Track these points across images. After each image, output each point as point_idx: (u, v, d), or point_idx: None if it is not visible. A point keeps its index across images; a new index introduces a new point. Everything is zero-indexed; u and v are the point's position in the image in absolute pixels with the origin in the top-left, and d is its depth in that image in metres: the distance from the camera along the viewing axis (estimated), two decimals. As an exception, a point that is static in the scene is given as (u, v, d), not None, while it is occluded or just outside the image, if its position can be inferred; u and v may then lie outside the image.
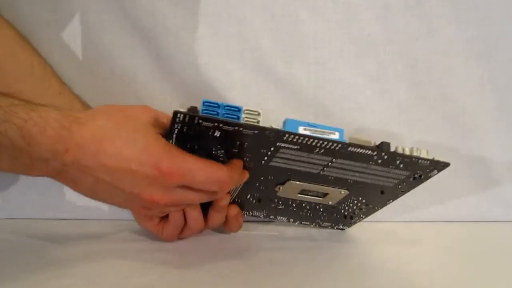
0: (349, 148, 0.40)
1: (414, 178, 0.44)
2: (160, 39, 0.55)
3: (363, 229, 0.56)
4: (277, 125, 0.40)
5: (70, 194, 0.57)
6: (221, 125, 0.37)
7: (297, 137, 0.39)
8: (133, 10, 0.55)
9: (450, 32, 0.57)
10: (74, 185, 0.41)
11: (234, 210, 0.51)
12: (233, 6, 0.55)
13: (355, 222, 0.55)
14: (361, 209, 0.52)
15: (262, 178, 0.46)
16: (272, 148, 0.41)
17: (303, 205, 0.50)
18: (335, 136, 0.40)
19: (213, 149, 0.41)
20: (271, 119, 0.57)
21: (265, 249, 0.51)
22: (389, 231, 0.56)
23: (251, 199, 0.50)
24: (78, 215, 0.57)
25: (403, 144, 0.58)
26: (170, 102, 0.57)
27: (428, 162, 0.42)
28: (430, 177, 0.44)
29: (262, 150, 0.41)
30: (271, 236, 0.55)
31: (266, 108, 0.57)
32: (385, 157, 0.42)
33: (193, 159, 0.40)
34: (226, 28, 0.55)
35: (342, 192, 0.47)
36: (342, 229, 0.57)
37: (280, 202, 0.50)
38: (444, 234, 0.58)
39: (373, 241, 0.55)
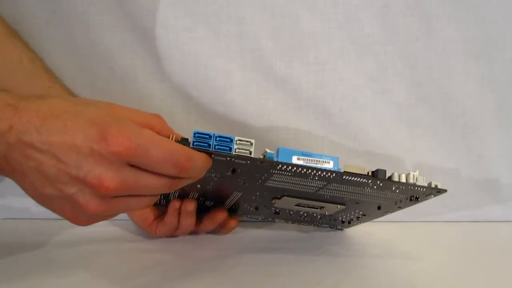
0: (344, 177, 0.40)
1: (411, 199, 0.45)
2: (160, 39, 0.55)
3: (363, 229, 0.56)
4: (271, 148, 0.39)
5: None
6: (213, 156, 0.37)
7: (290, 166, 0.39)
8: (133, 10, 0.55)
9: (450, 32, 0.57)
10: (21, 178, 0.34)
11: (222, 216, 0.51)
12: (233, 6, 0.55)
13: (353, 225, 0.55)
14: (358, 217, 0.52)
15: (257, 193, 0.46)
16: (265, 174, 0.41)
17: (300, 212, 0.50)
18: (329, 165, 0.40)
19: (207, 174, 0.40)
20: (272, 119, 0.57)
21: (265, 249, 0.51)
22: (389, 231, 0.56)
23: (248, 206, 0.50)
24: (78, 215, 0.57)
25: (402, 145, 0.59)
26: (170, 102, 0.57)
27: (424, 189, 0.42)
28: (427, 199, 0.44)
29: (256, 174, 0.41)
30: (271, 236, 0.55)
31: (266, 108, 0.57)
32: (381, 184, 0.42)
33: (149, 132, 0.34)
34: (226, 28, 0.55)
35: (338, 207, 0.47)
36: (341, 229, 0.57)
37: (278, 210, 0.50)
38: (444, 234, 0.57)
39: (373, 241, 0.55)
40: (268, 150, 0.39)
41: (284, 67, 0.56)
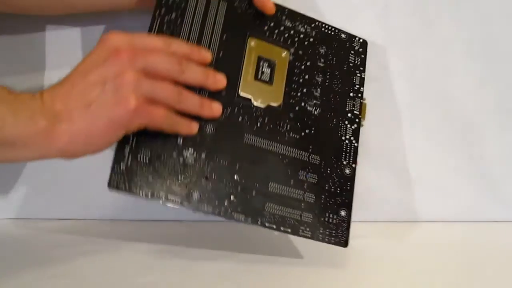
0: None
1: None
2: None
3: (363, 229, 0.56)
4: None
5: (70, 194, 0.56)
6: None
7: None
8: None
9: (450, 32, 0.57)
10: (68, 121, 0.38)
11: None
12: (233, 6, 0.55)
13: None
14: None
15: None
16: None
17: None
18: None
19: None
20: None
21: (267, 249, 0.51)
22: (389, 231, 0.56)
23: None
24: (78, 215, 0.57)
25: (402, 145, 0.59)
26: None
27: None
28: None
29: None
30: (272, 237, 0.55)
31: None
32: None
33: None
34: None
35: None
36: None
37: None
38: (444, 234, 0.57)
39: (373, 241, 0.55)
40: None
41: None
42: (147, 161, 0.42)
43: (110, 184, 0.40)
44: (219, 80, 0.45)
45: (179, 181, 0.42)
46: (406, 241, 0.55)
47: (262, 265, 0.48)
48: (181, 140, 0.43)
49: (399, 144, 0.59)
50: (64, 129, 0.38)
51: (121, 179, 0.41)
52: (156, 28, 0.44)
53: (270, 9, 0.48)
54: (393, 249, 0.53)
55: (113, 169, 0.41)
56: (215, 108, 0.44)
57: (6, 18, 0.53)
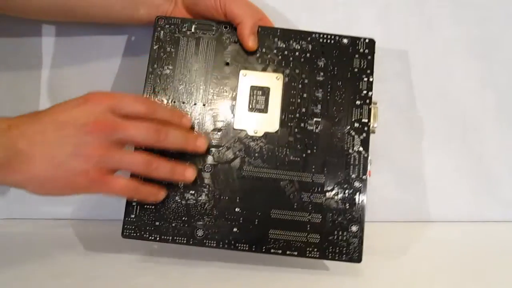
0: None
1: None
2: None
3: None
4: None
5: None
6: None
7: None
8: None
9: (450, 32, 0.57)
10: (28, 164, 0.39)
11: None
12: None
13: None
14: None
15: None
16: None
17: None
18: None
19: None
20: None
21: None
22: (389, 231, 0.56)
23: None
24: (78, 215, 0.57)
25: (403, 145, 0.59)
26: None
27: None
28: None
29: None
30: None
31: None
32: None
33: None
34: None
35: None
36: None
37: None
38: (444, 234, 0.57)
39: (373, 241, 0.55)
40: None
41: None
42: (153, 208, 0.45)
43: (124, 235, 0.45)
44: (199, 146, 0.45)
45: (183, 222, 0.45)
46: (405, 241, 0.55)
47: (265, 267, 0.48)
48: (182, 185, 0.45)
49: (399, 144, 0.59)
50: (21, 169, 0.39)
51: (132, 229, 0.45)
52: (150, 84, 0.48)
53: (250, 48, 0.47)
54: (393, 249, 0.53)
55: (124, 222, 0.45)
56: (187, 174, 0.44)
57: (6, 18, 0.53)
